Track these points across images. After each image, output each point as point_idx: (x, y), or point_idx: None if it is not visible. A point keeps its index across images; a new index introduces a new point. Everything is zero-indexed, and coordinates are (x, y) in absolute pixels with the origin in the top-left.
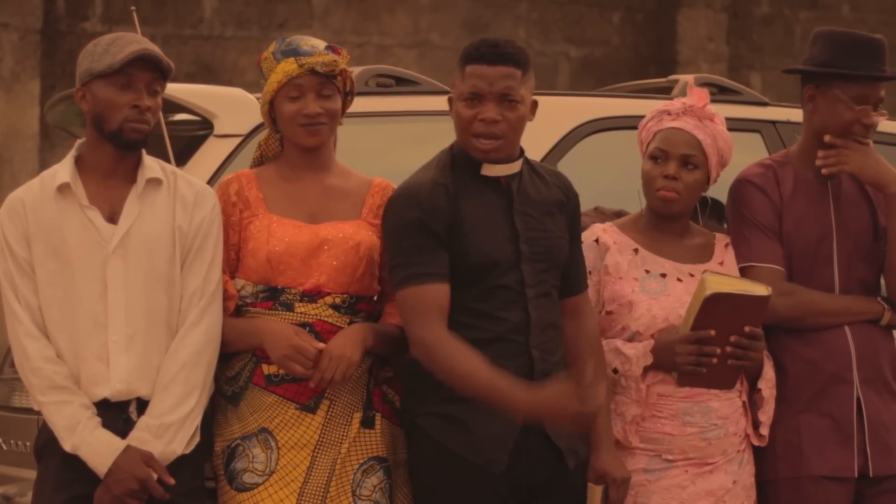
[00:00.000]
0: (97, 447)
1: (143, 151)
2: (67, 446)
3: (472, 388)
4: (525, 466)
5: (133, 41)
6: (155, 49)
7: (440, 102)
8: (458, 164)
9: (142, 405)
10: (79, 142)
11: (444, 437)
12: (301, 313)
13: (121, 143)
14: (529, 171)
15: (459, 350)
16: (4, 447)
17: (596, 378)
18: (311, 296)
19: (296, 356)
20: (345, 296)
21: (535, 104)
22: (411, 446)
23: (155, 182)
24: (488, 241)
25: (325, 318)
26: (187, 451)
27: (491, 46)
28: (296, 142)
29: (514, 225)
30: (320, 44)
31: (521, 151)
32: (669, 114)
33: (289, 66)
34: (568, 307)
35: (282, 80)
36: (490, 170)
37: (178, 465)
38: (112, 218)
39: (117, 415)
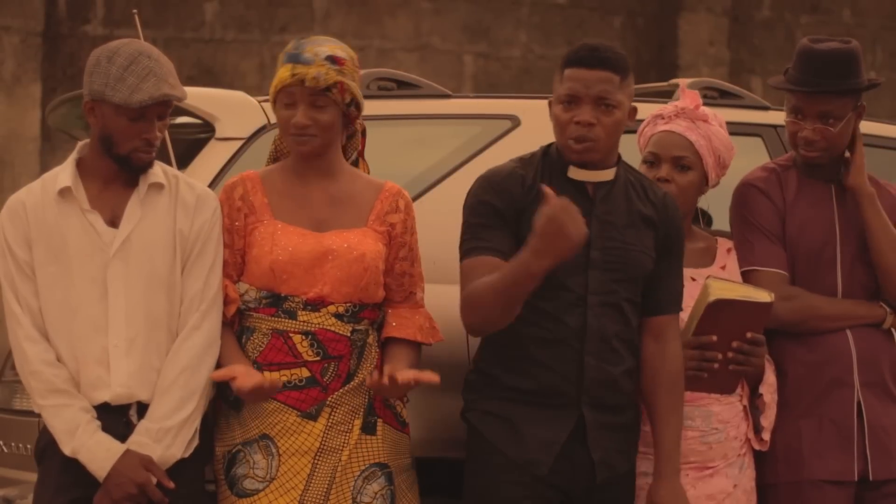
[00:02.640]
0: (96, 451)
1: None
2: (67, 450)
3: (499, 288)
4: (567, 473)
5: (151, 72)
6: (171, 88)
7: (441, 106)
8: (549, 161)
9: (142, 409)
10: (80, 144)
11: (491, 433)
12: (304, 322)
13: (127, 167)
14: (628, 182)
15: (478, 280)
16: (5, 450)
17: (669, 403)
18: (315, 305)
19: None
20: (348, 304)
21: (634, 110)
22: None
23: (157, 186)
24: None
25: (328, 327)
26: (186, 455)
27: (590, 50)
28: (290, 148)
29: (589, 230)
30: (323, 51)
31: (619, 160)
32: (662, 117)
33: (284, 73)
34: (651, 327)
35: (277, 85)
36: (577, 173)
37: (179, 469)
38: (113, 222)
39: (118, 418)
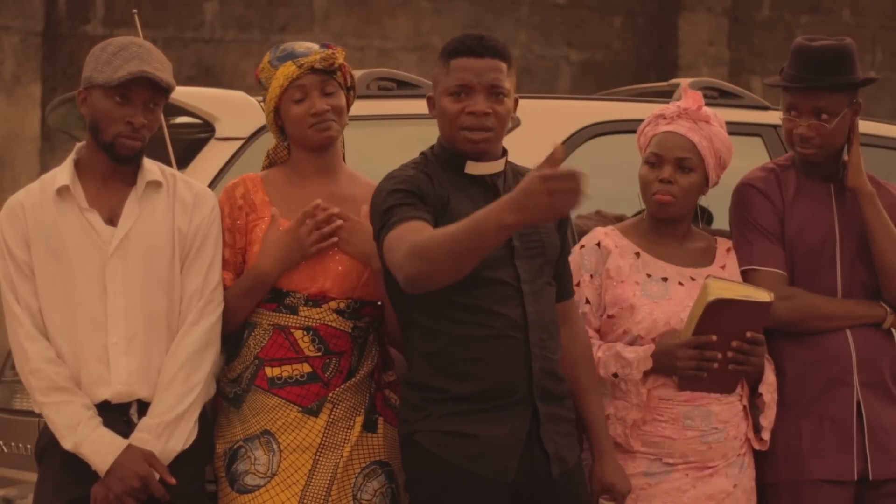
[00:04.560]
0: (98, 445)
1: (143, 156)
2: (68, 445)
3: (459, 236)
4: (527, 473)
5: (136, 56)
6: (155, 70)
7: None
8: (442, 162)
9: (142, 407)
10: (78, 145)
11: (446, 451)
12: (305, 317)
13: (112, 156)
14: (513, 171)
15: (430, 233)
16: (5, 449)
17: (590, 380)
18: (316, 300)
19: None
20: (349, 301)
21: (516, 101)
22: (408, 460)
23: (154, 185)
24: None
25: (329, 323)
26: (186, 447)
27: (476, 39)
28: (307, 143)
29: None
30: (314, 44)
31: (504, 151)
32: (664, 118)
33: (288, 70)
34: (560, 312)
35: (283, 83)
36: (474, 168)
37: (179, 467)
38: (111, 220)
39: (118, 417)
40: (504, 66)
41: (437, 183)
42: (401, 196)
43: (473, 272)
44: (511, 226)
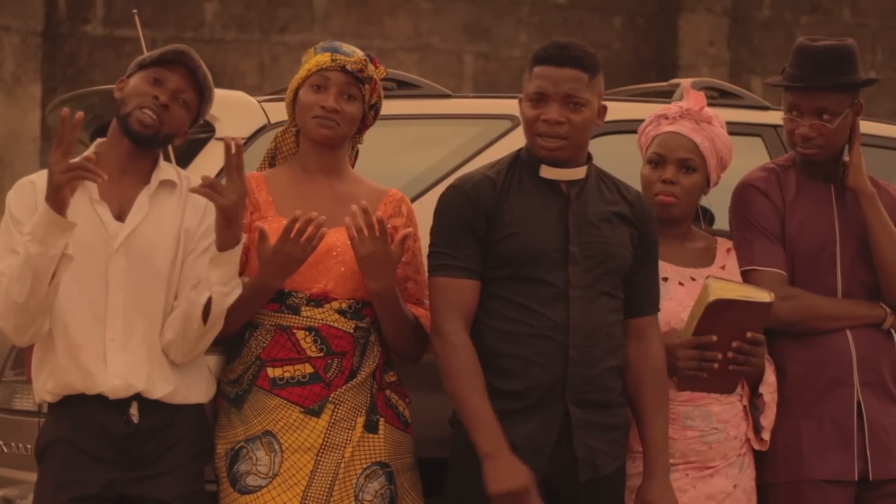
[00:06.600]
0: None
1: (161, 156)
2: (27, 230)
3: (459, 402)
4: (558, 473)
5: (186, 48)
6: (196, 59)
7: (441, 106)
8: (520, 162)
9: (143, 405)
10: (99, 140)
11: None
12: (307, 317)
13: (127, 129)
14: (599, 180)
15: (468, 363)
16: (5, 449)
17: (655, 401)
18: (318, 300)
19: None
20: (351, 301)
21: (603, 109)
22: (452, 441)
23: (168, 184)
24: (534, 236)
25: (331, 323)
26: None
27: (559, 48)
28: (307, 133)
29: (567, 226)
30: (360, 52)
31: (589, 158)
32: (667, 118)
33: (322, 58)
34: (633, 329)
35: (312, 68)
36: (549, 172)
37: (178, 468)
38: (120, 216)
39: (117, 415)
40: (585, 76)
41: (501, 185)
42: (453, 227)
43: (524, 271)
44: (480, 453)
